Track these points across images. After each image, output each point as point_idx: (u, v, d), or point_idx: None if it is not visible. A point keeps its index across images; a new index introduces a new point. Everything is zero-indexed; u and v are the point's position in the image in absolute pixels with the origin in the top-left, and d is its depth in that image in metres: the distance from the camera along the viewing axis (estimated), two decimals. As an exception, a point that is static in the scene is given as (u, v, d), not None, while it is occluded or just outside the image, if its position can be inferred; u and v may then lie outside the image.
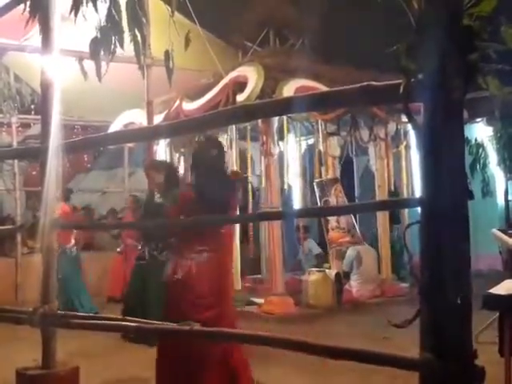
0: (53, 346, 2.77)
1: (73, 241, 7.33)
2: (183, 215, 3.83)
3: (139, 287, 5.79)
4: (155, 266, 5.40)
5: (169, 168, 5.87)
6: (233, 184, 4.03)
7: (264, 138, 7.24)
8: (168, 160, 7.39)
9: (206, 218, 3.15)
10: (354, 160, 9.41)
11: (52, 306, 2.74)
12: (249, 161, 7.99)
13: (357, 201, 9.11)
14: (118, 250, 9.01)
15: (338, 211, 4.19)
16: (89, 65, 3.72)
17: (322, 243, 8.79)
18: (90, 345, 5.11)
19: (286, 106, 2.15)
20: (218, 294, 3.77)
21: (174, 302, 3.73)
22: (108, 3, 3.25)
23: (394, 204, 3.20)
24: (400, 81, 1.55)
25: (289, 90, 6.58)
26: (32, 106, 10.43)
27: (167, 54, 3.56)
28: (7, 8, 3.51)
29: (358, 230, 8.42)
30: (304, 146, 9.21)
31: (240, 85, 6.87)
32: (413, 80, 1.53)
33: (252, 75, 6.76)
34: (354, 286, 7.73)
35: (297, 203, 8.80)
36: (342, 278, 7.49)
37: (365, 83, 1.67)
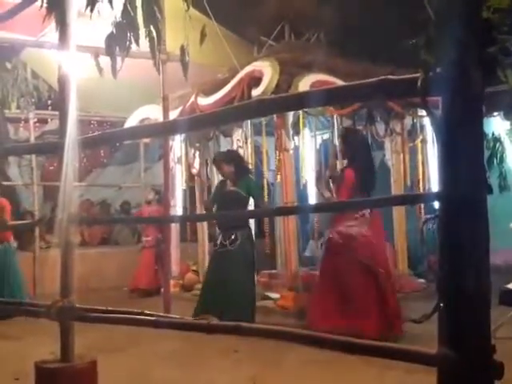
0: (71, 339, 2.80)
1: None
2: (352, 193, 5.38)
3: (218, 275, 5.92)
4: (230, 254, 5.64)
5: (237, 158, 6.25)
6: None
7: (279, 132, 7.22)
8: (234, 149, 7.46)
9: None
10: (370, 155, 9.34)
11: (70, 300, 2.77)
12: (264, 156, 7.97)
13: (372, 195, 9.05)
14: (144, 244, 9.17)
15: (353, 205, 4.17)
16: (105, 61, 3.73)
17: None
18: (107, 339, 5.15)
19: (301, 101, 2.14)
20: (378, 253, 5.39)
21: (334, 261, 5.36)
22: (124, -1, 3.26)
23: (412, 198, 3.18)
24: (418, 74, 1.54)
25: (304, 84, 6.55)
26: (49, 102, 10.53)
27: (183, 49, 3.57)
28: (24, 4, 3.53)
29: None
30: (319, 140, 9.17)
31: (255, 80, 6.85)
32: (431, 73, 1.52)
33: (267, 70, 6.74)
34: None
35: (312, 198, 8.77)
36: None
37: (382, 77, 1.66)
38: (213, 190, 8.81)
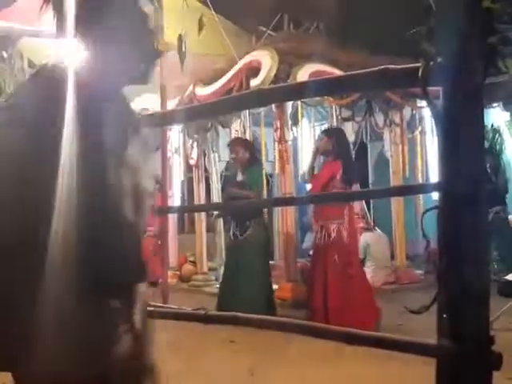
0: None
1: None
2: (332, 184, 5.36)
3: (233, 267, 6.02)
4: (243, 245, 5.74)
5: (252, 147, 6.46)
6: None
7: (278, 123, 7.20)
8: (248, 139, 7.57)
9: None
10: (369, 146, 9.34)
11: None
12: (262, 147, 7.96)
13: (371, 187, 9.07)
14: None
15: (353, 197, 4.18)
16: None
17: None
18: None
19: (300, 91, 2.13)
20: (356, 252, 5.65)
21: (322, 261, 5.35)
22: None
23: (411, 189, 3.18)
24: (419, 64, 1.53)
25: (303, 74, 6.53)
26: (46, 92, 10.47)
27: (180, 39, 3.55)
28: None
29: (370, 216, 8.39)
30: (318, 131, 9.15)
31: (254, 70, 6.83)
32: (432, 63, 1.51)
33: (266, 60, 6.72)
34: (367, 272, 7.70)
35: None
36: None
37: (382, 67, 1.65)
38: (211, 181, 8.84)
